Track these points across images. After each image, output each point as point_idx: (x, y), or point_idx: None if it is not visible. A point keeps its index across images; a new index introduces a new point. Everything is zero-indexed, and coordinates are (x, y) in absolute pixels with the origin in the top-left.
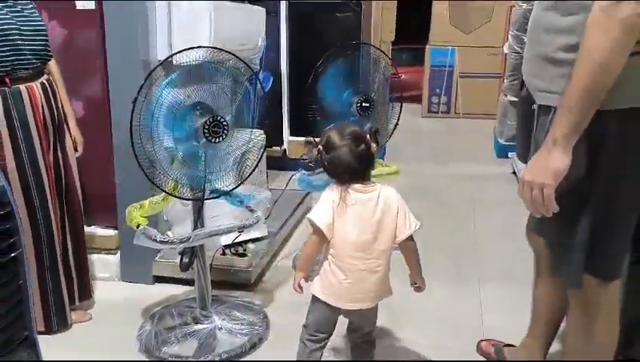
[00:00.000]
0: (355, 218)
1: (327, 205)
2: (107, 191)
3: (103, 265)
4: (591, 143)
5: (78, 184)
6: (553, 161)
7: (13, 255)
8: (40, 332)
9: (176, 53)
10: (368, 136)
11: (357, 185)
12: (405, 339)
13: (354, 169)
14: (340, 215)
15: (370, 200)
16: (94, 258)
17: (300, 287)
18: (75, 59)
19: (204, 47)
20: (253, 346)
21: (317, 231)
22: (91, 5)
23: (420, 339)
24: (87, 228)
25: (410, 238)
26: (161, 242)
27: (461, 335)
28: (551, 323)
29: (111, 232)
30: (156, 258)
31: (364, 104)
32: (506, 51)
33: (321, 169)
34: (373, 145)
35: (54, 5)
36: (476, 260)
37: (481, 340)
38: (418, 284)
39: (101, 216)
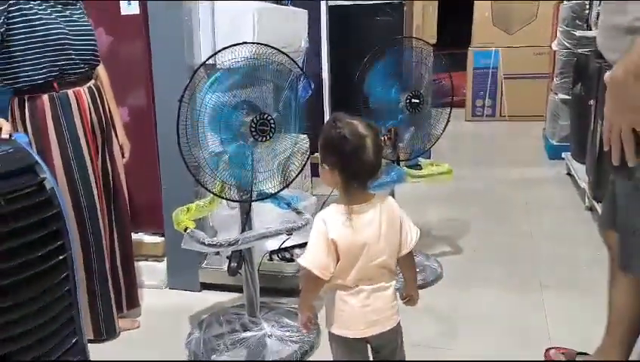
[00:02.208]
0: (359, 243)
1: (319, 244)
2: (153, 197)
3: (151, 273)
4: None
5: (125, 190)
6: None
7: (61, 257)
8: (88, 340)
9: (222, 50)
10: (386, 139)
11: (354, 207)
12: (465, 350)
13: (370, 168)
14: (340, 245)
15: (373, 219)
16: (142, 265)
17: (309, 325)
18: (121, 64)
19: (249, 42)
20: (305, 354)
21: (311, 275)
22: (136, 10)
23: (481, 349)
24: (134, 235)
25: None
26: (210, 245)
27: (526, 343)
28: (632, 327)
29: (158, 239)
30: (203, 265)
31: (413, 100)
32: (554, 48)
33: None
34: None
35: (99, 11)
36: (536, 266)
37: (549, 348)
38: (410, 297)
39: (148, 222)
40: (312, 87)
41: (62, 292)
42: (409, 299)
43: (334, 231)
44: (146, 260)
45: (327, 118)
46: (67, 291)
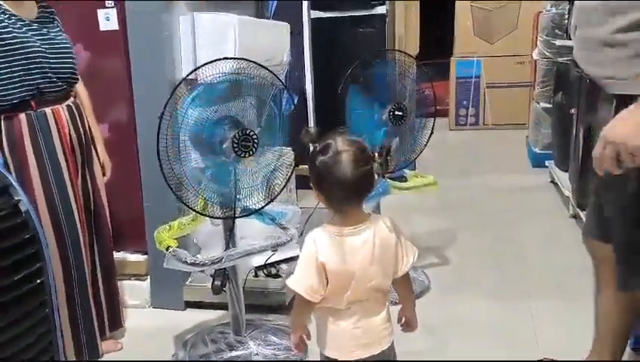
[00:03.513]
0: (350, 267)
1: (308, 266)
2: (135, 215)
3: (134, 292)
4: None
5: (107, 210)
6: None
7: (38, 281)
8: None
9: (202, 66)
10: (377, 155)
11: (346, 229)
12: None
13: (352, 188)
14: (329, 268)
15: (365, 242)
16: (125, 284)
17: (302, 346)
18: (100, 81)
19: (230, 58)
20: None
21: (300, 297)
22: (115, 26)
23: (471, 360)
24: (116, 254)
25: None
26: (192, 264)
27: (514, 354)
28: (619, 337)
29: (140, 257)
30: (187, 282)
31: (396, 113)
32: (535, 58)
33: None
34: (376, 164)
35: (78, 27)
36: (523, 274)
37: (540, 360)
38: (408, 321)
39: (130, 241)
40: (295, 101)
41: (39, 317)
42: (406, 322)
43: (324, 254)
44: (129, 279)
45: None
46: (45, 316)
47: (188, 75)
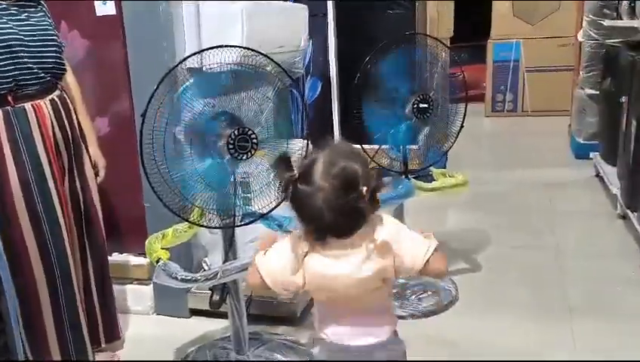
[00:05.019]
0: (332, 282)
1: (286, 255)
2: (138, 215)
3: (137, 297)
4: None
5: (100, 214)
6: None
7: None
8: None
9: (190, 56)
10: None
11: (329, 251)
12: None
13: (331, 222)
14: (308, 270)
15: (351, 273)
16: (128, 289)
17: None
18: (99, 70)
19: (226, 45)
20: None
21: (261, 283)
22: (112, 10)
23: None
24: (119, 257)
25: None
26: (183, 280)
27: None
28: None
29: (143, 261)
30: (192, 289)
31: (421, 105)
32: (580, 39)
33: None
34: (365, 188)
35: (72, 13)
36: (564, 285)
37: None
38: None
39: (133, 242)
40: (320, 86)
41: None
42: None
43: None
44: (132, 283)
45: (335, 121)
46: (4, 346)
47: (176, 66)
